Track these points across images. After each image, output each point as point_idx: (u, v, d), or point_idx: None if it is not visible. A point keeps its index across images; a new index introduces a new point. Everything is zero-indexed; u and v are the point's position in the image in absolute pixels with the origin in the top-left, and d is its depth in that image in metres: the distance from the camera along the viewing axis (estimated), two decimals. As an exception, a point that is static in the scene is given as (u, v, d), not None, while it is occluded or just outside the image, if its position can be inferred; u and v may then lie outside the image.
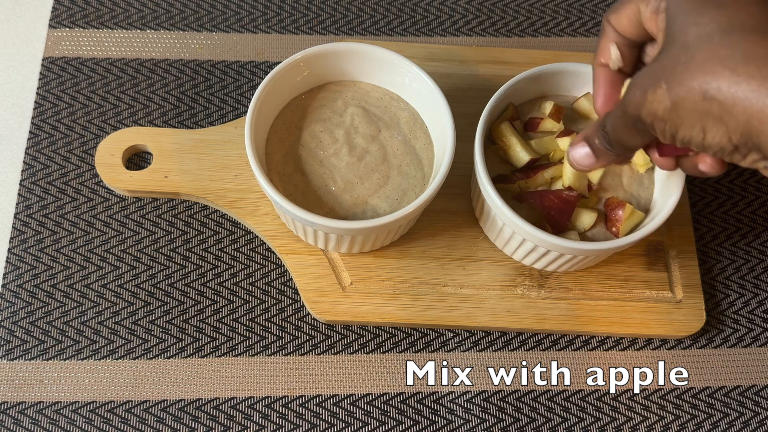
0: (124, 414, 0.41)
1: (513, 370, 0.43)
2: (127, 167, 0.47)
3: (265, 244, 0.45)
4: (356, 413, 0.42)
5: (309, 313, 0.44)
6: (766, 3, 0.28)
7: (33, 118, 0.49)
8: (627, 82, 0.35)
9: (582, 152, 0.36)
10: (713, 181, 0.49)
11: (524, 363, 0.44)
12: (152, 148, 0.47)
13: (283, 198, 0.38)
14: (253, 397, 0.42)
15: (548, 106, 0.43)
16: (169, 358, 0.43)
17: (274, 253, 0.45)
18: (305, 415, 0.42)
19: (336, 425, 0.42)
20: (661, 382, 0.43)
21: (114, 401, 0.42)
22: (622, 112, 0.32)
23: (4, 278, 0.44)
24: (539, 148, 0.43)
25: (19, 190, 0.46)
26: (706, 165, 0.34)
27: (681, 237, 0.46)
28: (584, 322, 0.43)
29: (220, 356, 0.43)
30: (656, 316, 0.44)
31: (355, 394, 0.42)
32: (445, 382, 0.43)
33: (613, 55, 0.36)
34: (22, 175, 0.47)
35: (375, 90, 0.45)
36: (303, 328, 0.44)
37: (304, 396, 0.42)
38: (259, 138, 0.42)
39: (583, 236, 0.41)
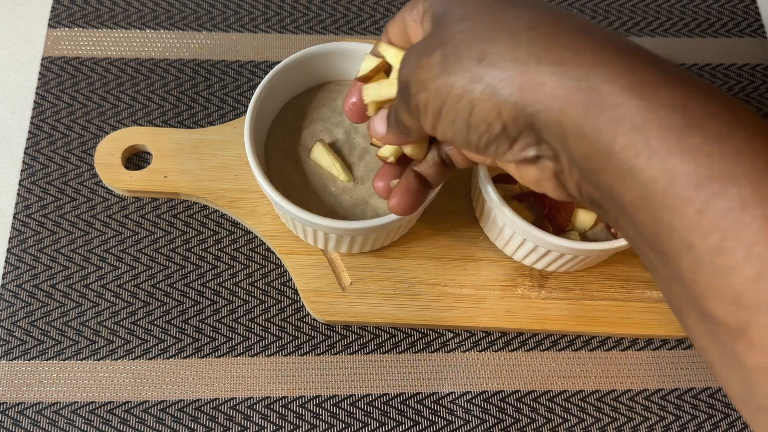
0: (123, 414, 0.41)
1: (513, 370, 0.43)
2: (127, 167, 0.47)
3: (264, 244, 0.45)
4: (356, 414, 0.42)
5: (309, 314, 0.44)
6: None
7: (32, 117, 0.49)
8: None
9: (380, 117, 0.33)
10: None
11: (525, 363, 0.43)
12: (152, 148, 0.47)
13: (282, 198, 0.38)
14: (253, 397, 0.42)
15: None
16: (168, 358, 0.43)
17: (273, 253, 0.45)
18: (305, 415, 0.42)
19: (336, 426, 0.42)
20: (662, 382, 0.43)
21: (113, 402, 0.41)
22: (398, 82, 0.29)
23: (3, 278, 0.44)
24: None
25: (18, 190, 0.46)
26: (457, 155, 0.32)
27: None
28: (585, 323, 0.43)
29: (219, 356, 0.43)
30: (657, 317, 0.43)
31: (354, 395, 0.42)
32: (445, 382, 0.43)
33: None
34: (21, 175, 0.47)
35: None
36: (303, 328, 0.44)
37: (304, 396, 0.42)
38: (258, 138, 0.41)
39: (584, 236, 0.41)
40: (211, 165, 0.46)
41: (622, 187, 0.23)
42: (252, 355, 0.43)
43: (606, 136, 0.22)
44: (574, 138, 0.23)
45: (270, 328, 0.44)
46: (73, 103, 0.49)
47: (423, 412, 0.42)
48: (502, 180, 0.42)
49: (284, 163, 0.42)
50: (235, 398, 0.42)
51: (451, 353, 0.43)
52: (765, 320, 0.20)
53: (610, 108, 0.22)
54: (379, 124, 0.33)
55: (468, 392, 0.43)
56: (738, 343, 0.21)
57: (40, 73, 0.50)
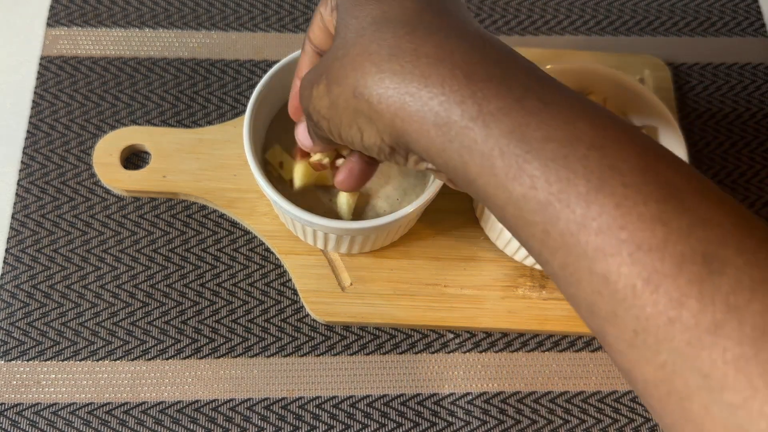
0: (121, 415, 0.41)
1: (514, 371, 0.43)
2: (125, 167, 0.47)
3: (264, 244, 0.45)
4: (356, 415, 0.42)
5: (308, 314, 0.44)
6: None
7: (30, 117, 0.48)
8: None
9: (301, 130, 0.34)
10: (715, 181, 0.49)
11: (526, 364, 0.43)
12: (150, 148, 0.46)
13: (282, 198, 0.38)
14: (252, 398, 0.42)
15: None
16: (167, 359, 0.42)
17: (273, 253, 0.45)
18: (304, 416, 0.41)
19: (335, 427, 0.41)
20: (663, 383, 0.43)
21: (112, 402, 0.41)
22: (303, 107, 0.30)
23: (1, 279, 0.44)
24: None
25: (17, 190, 0.46)
26: (340, 175, 0.34)
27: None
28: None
29: (218, 357, 0.43)
30: (658, 317, 0.43)
31: (354, 396, 0.42)
32: (445, 383, 0.43)
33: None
34: (19, 174, 0.47)
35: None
36: (302, 329, 0.43)
37: (304, 397, 0.42)
38: (257, 137, 0.41)
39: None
40: (210, 165, 0.46)
41: (492, 206, 0.24)
42: (251, 356, 0.43)
43: (461, 166, 0.24)
44: (442, 166, 0.25)
45: (269, 329, 0.43)
46: (71, 102, 0.49)
47: (423, 413, 0.42)
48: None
49: (284, 162, 0.42)
50: (234, 399, 0.42)
51: (452, 354, 0.43)
52: None
53: (460, 139, 0.23)
54: (304, 137, 0.34)
55: (468, 393, 0.42)
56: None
57: (38, 72, 0.50)
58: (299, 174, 0.41)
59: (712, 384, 0.19)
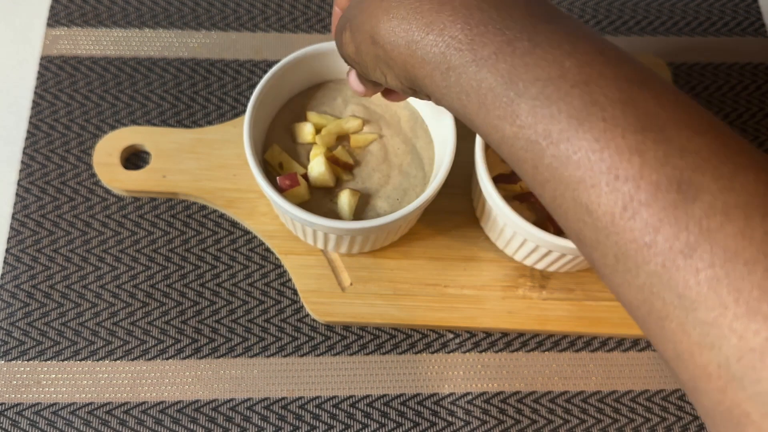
0: (122, 415, 0.41)
1: (514, 371, 0.43)
2: (125, 167, 0.47)
3: (263, 244, 0.45)
4: (356, 415, 0.42)
5: (308, 314, 0.44)
6: None
7: (30, 117, 0.48)
8: None
9: (353, 77, 0.36)
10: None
11: (526, 364, 0.43)
12: (150, 148, 0.46)
13: (281, 198, 0.38)
14: (252, 398, 0.42)
15: None
16: (167, 359, 0.42)
17: (272, 253, 0.45)
18: (304, 416, 0.41)
19: (335, 427, 0.41)
20: (663, 383, 0.43)
21: (112, 402, 0.41)
22: None
23: (1, 279, 0.44)
24: None
25: (17, 189, 0.46)
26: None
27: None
28: (586, 323, 0.43)
29: (218, 357, 0.43)
30: (659, 317, 0.43)
31: (354, 396, 0.42)
32: (445, 383, 0.43)
33: None
34: (19, 174, 0.47)
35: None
36: (302, 329, 0.43)
37: (304, 397, 0.42)
38: (257, 137, 0.41)
39: (585, 236, 0.41)
40: (210, 165, 0.46)
41: (490, 143, 0.26)
42: (251, 356, 0.43)
43: (461, 108, 0.26)
44: (447, 107, 0.27)
45: (269, 329, 0.43)
46: (71, 102, 0.49)
47: (423, 413, 0.42)
48: (502, 180, 0.42)
49: (284, 162, 0.42)
50: (234, 399, 0.42)
51: (452, 354, 0.43)
52: None
53: (459, 83, 0.25)
54: (356, 84, 0.36)
55: (468, 393, 0.42)
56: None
57: (38, 72, 0.50)
58: (318, 169, 0.41)
59: (686, 303, 0.20)
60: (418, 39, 0.25)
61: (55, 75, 0.50)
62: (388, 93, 0.38)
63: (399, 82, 0.28)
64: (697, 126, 0.22)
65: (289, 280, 0.44)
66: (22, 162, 0.47)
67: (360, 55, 0.29)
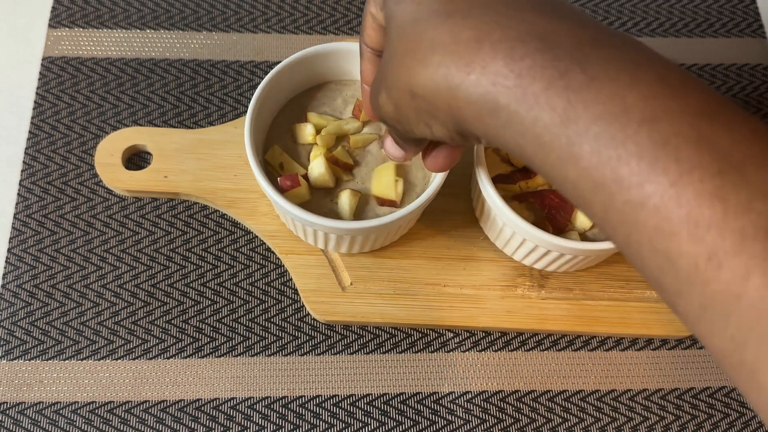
0: (123, 414, 0.41)
1: (513, 370, 0.43)
2: (127, 167, 0.47)
3: (264, 244, 0.45)
4: (356, 413, 0.42)
5: (309, 314, 0.44)
6: None
7: (32, 118, 0.49)
8: None
9: (389, 144, 0.35)
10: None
11: (524, 363, 0.43)
12: (152, 148, 0.47)
13: (282, 198, 0.38)
14: (253, 397, 0.42)
15: None
16: (168, 358, 0.43)
17: (273, 253, 0.45)
18: (305, 415, 0.42)
19: (336, 426, 0.42)
20: (661, 382, 0.43)
21: (113, 401, 0.41)
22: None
23: (3, 278, 0.44)
24: None
25: (19, 190, 0.46)
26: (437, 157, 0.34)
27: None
28: (585, 323, 0.43)
29: (219, 356, 0.43)
30: (657, 317, 0.43)
31: (355, 395, 0.42)
32: (445, 382, 0.43)
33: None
34: (21, 175, 0.47)
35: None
36: (303, 328, 0.44)
37: (304, 396, 0.42)
38: (258, 138, 0.41)
39: (584, 236, 0.41)
40: (211, 165, 0.46)
41: (553, 183, 0.24)
42: (252, 355, 0.43)
43: (517, 149, 0.24)
44: (503, 148, 0.25)
45: (270, 328, 0.44)
46: (73, 103, 0.49)
47: (423, 411, 0.42)
48: (502, 180, 0.42)
49: (284, 163, 0.42)
50: (236, 398, 0.42)
51: (451, 353, 0.43)
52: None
53: (511, 124, 0.23)
54: (394, 150, 0.35)
55: (468, 392, 0.43)
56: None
57: (40, 73, 0.50)
58: (318, 170, 0.41)
59: None
60: (459, 82, 0.23)
61: (57, 76, 0.50)
62: (429, 156, 0.35)
63: (446, 130, 0.26)
64: None
65: (290, 279, 0.45)
66: (24, 162, 0.47)
67: (400, 113, 0.27)
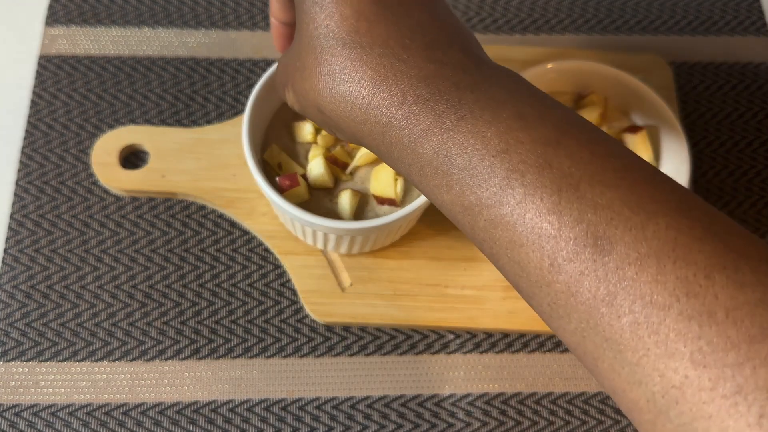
0: (120, 416, 0.41)
1: (515, 372, 0.43)
2: (124, 166, 0.46)
3: (263, 244, 0.45)
4: (356, 416, 0.41)
5: (308, 315, 0.43)
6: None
7: (29, 117, 0.48)
8: None
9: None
10: (717, 180, 0.49)
11: (527, 365, 0.43)
12: (149, 147, 0.46)
13: (281, 198, 0.38)
14: (251, 399, 0.41)
15: None
16: (166, 360, 0.42)
17: (272, 253, 0.45)
18: (304, 418, 0.41)
19: (335, 428, 0.41)
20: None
21: (110, 403, 0.41)
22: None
23: (-1, 279, 0.44)
24: None
25: (15, 189, 0.46)
26: None
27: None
28: (587, 324, 0.43)
29: (217, 358, 0.42)
30: (660, 318, 0.43)
31: (354, 397, 0.42)
32: (446, 384, 0.42)
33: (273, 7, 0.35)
34: (17, 174, 0.46)
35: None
36: (302, 329, 0.43)
37: (303, 398, 0.42)
38: (256, 137, 0.41)
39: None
40: (209, 164, 0.46)
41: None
42: (250, 357, 0.42)
43: (405, 172, 0.28)
44: (394, 169, 0.29)
45: (269, 330, 0.43)
46: (69, 101, 0.49)
47: (423, 414, 0.42)
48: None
49: (283, 162, 0.42)
50: (234, 400, 0.41)
51: (453, 355, 0.43)
52: None
53: (400, 155, 0.27)
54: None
55: (469, 394, 0.42)
56: None
57: (36, 71, 0.50)
58: (317, 170, 0.40)
59: (613, 346, 0.23)
60: (361, 118, 0.27)
61: (54, 74, 0.50)
62: None
63: (346, 138, 0.30)
64: (611, 179, 0.24)
65: (289, 280, 0.44)
66: (20, 162, 0.47)
67: (306, 112, 0.30)
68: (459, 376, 0.42)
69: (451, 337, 0.43)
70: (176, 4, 0.53)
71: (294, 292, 0.44)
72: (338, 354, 0.43)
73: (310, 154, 0.41)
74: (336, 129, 0.29)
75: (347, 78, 0.27)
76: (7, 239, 0.45)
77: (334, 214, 0.41)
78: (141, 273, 0.44)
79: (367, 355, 0.43)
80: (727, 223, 0.23)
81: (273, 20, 0.36)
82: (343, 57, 0.27)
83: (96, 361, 0.42)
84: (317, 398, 0.42)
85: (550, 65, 0.43)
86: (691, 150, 0.48)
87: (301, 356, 0.43)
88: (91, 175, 0.46)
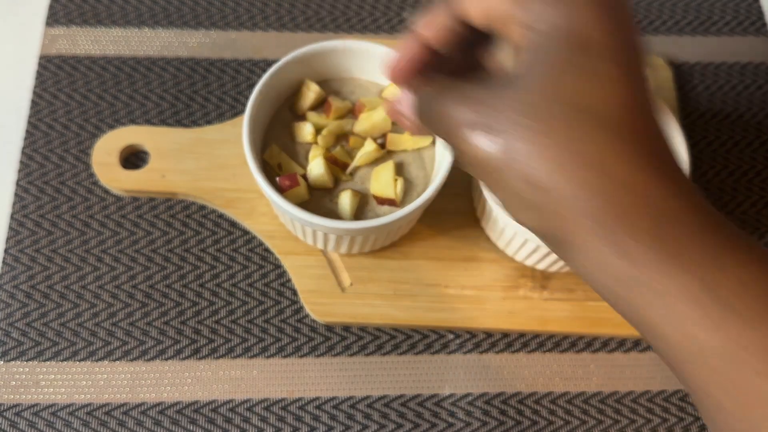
0: (120, 416, 0.41)
1: (515, 372, 0.43)
2: (124, 166, 0.46)
3: (263, 244, 0.45)
4: (356, 416, 0.41)
5: (308, 315, 0.43)
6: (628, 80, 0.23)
7: (29, 117, 0.48)
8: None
9: (405, 108, 0.30)
10: (717, 180, 0.49)
11: (527, 365, 0.43)
12: (149, 147, 0.46)
13: (281, 198, 0.38)
14: (251, 399, 0.42)
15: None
16: (166, 359, 0.42)
17: (272, 253, 0.45)
18: (304, 417, 0.41)
19: (335, 428, 0.41)
20: (665, 384, 0.43)
21: (111, 403, 0.41)
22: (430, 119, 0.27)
23: (0, 279, 0.44)
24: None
25: (15, 189, 0.46)
26: None
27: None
28: (587, 324, 0.43)
29: (217, 358, 0.42)
30: (660, 318, 0.43)
31: (354, 397, 0.42)
32: (446, 384, 0.42)
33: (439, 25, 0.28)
34: (18, 174, 0.46)
35: (375, 87, 0.44)
36: (302, 329, 0.43)
37: (303, 398, 0.42)
38: (256, 137, 0.41)
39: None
40: (210, 164, 0.46)
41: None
42: (250, 357, 0.42)
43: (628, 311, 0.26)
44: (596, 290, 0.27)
45: (269, 329, 0.43)
46: (70, 102, 0.49)
47: (423, 414, 0.42)
48: (503, 180, 0.42)
49: (283, 162, 0.42)
50: (234, 400, 0.41)
51: (452, 355, 0.43)
52: None
53: (637, 297, 0.25)
54: (409, 118, 0.31)
55: (469, 394, 0.42)
56: None
57: (36, 71, 0.50)
58: (317, 171, 0.40)
59: None
60: (625, 276, 0.23)
61: (54, 74, 0.50)
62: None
63: (537, 230, 0.24)
64: None
65: (289, 280, 0.44)
66: (21, 162, 0.47)
67: (491, 173, 0.23)
68: (459, 376, 0.43)
69: (451, 337, 0.44)
70: (176, 4, 0.53)
71: (294, 292, 0.44)
72: (338, 354, 0.43)
73: (310, 155, 0.41)
74: (538, 209, 0.23)
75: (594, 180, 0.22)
76: (8, 239, 0.45)
77: (334, 214, 0.41)
78: (141, 273, 0.44)
79: (367, 355, 0.43)
80: None
81: (417, 34, 0.29)
82: (594, 141, 0.22)
83: (96, 360, 0.42)
84: (317, 398, 0.42)
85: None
86: (691, 150, 0.48)
87: (301, 356, 0.43)
88: (92, 175, 0.46)
